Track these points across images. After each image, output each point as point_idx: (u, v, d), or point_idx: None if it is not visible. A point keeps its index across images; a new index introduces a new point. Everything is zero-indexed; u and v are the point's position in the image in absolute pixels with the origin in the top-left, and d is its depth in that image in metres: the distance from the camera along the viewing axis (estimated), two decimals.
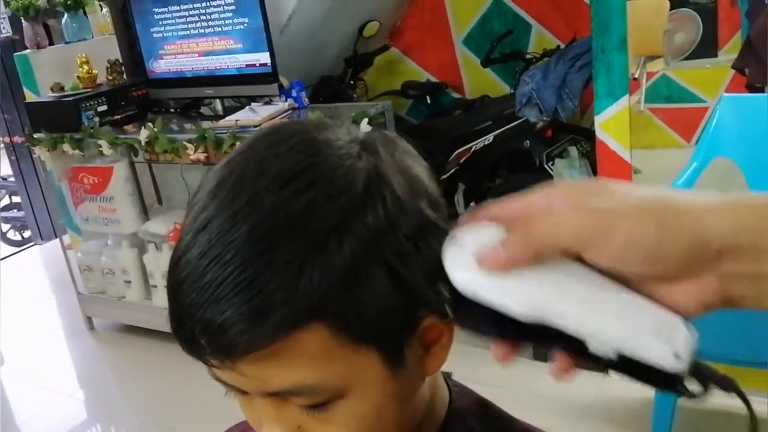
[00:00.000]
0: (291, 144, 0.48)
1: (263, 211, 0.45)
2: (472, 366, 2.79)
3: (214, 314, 0.44)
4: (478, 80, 3.84)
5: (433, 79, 3.98)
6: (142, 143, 2.87)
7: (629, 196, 0.41)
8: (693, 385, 0.42)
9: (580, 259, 0.41)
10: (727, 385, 0.41)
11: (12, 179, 5.24)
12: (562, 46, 3.27)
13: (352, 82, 3.63)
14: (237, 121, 2.74)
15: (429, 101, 3.84)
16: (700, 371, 0.41)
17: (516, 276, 0.41)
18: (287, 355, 0.45)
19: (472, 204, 3.30)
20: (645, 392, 2.33)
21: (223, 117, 2.97)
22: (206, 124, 2.89)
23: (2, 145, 5.00)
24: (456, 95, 3.95)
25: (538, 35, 3.62)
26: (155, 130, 2.85)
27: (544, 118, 2.83)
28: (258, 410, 0.51)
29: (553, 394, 2.56)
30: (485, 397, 0.66)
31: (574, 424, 2.40)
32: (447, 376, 0.65)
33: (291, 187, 0.45)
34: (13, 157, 4.82)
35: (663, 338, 0.40)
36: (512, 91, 3.32)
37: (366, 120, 2.62)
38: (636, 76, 3.89)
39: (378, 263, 0.46)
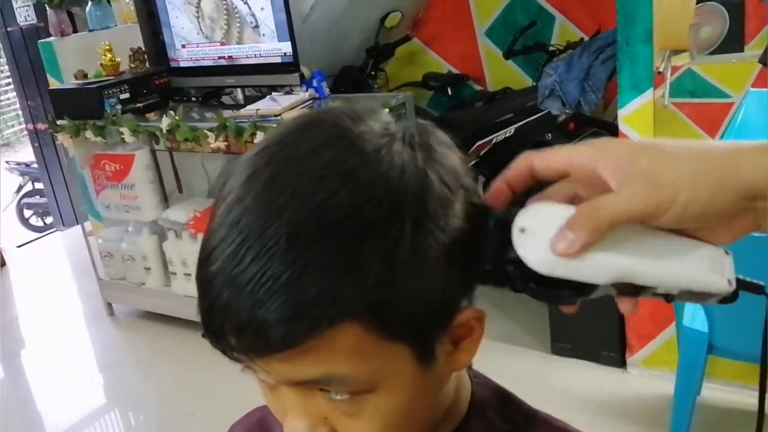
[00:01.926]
0: (327, 138, 0.47)
1: (302, 210, 0.43)
2: (490, 359, 2.80)
3: (247, 314, 0.43)
4: (500, 72, 3.81)
5: (455, 71, 3.96)
6: (164, 131, 2.89)
7: (680, 160, 0.45)
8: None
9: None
10: (760, 290, 0.52)
11: (35, 166, 5.29)
12: (586, 38, 3.24)
13: (373, 72, 3.62)
14: (258, 110, 2.75)
15: (450, 93, 3.82)
16: (738, 283, 0.51)
17: (588, 251, 0.46)
18: (319, 351, 0.44)
19: None
20: (664, 389, 2.32)
21: (243, 106, 2.97)
22: (227, 113, 2.89)
23: (26, 132, 5.04)
24: (478, 87, 3.93)
25: (562, 27, 3.58)
26: (176, 118, 2.86)
27: (567, 111, 2.80)
28: (283, 399, 0.50)
29: (571, 389, 2.55)
30: (504, 387, 0.65)
31: (591, 419, 2.38)
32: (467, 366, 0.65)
33: (330, 186, 0.44)
34: (36, 144, 4.87)
35: (718, 272, 0.49)
36: (534, 83, 3.30)
37: (386, 111, 2.61)
38: (660, 69, 3.84)
39: (417, 263, 0.45)
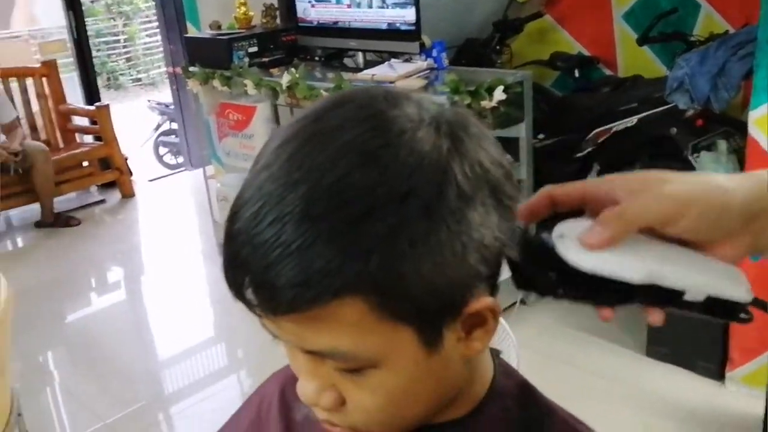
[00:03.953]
0: (356, 117, 0.48)
1: (317, 185, 0.45)
2: (582, 352, 2.74)
3: (261, 274, 0.46)
4: (634, 58, 3.62)
5: (585, 53, 3.81)
6: (284, 87, 2.97)
7: (695, 183, 0.52)
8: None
9: (649, 233, 0.52)
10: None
11: (173, 107, 5.61)
12: (732, 31, 3.02)
13: (497, 47, 3.55)
14: (373, 75, 2.77)
15: (577, 75, 3.67)
16: (755, 300, 0.55)
17: (620, 252, 0.51)
18: (325, 321, 0.47)
19: None
20: (761, 410, 2.18)
21: (362, 70, 3.00)
22: (347, 76, 2.94)
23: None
24: (607, 72, 3.76)
25: (707, 17, 3.35)
26: (297, 75, 2.94)
27: (695, 107, 2.64)
28: (298, 361, 0.53)
29: (661, 394, 2.46)
30: (531, 383, 0.65)
31: (677, 427, 2.29)
32: (495, 354, 0.65)
33: (347, 165, 0.46)
34: (174, 87, 5.15)
35: (737, 281, 0.54)
36: (668, 73, 3.12)
37: (501, 88, 2.56)
38: None
39: (425, 249, 0.46)
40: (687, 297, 0.52)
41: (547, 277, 0.53)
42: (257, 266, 0.46)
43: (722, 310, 0.54)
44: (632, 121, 3.01)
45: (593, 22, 3.73)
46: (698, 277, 0.52)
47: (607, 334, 2.80)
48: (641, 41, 3.26)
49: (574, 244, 0.51)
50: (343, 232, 0.44)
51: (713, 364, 2.46)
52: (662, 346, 2.58)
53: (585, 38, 3.81)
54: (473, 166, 0.49)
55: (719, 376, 2.47)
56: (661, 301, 0.53)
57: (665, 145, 3.02)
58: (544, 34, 3.89)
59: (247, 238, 0.47)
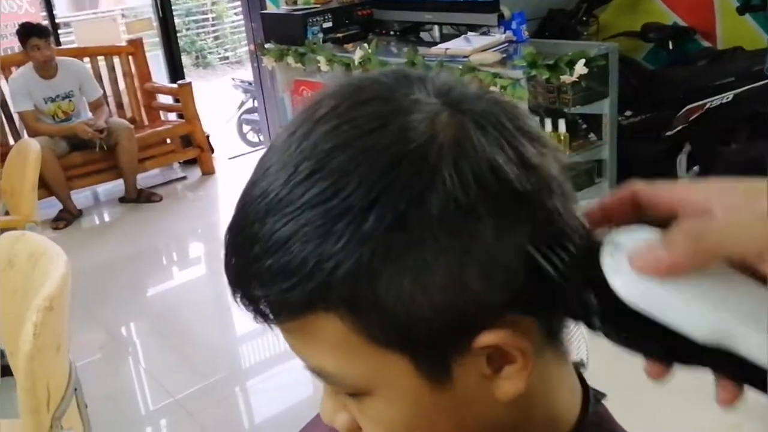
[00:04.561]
0: (362, 113, 0.41)
1: (284, 184, 0.40)
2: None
3: (247, 275, 0.42)
4: (735, 28, 3.36)
5: (681, 23, 3.57)
6: (356, 63, 2.91)
7: None
8: None
9: (738, 266, 0.37)
10: None
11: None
12: None
13: (584, 18, 3.36)
14: (447, 49, 2.67)
15: (671, 47, 3.45)
16: None
17: (684, 289, 0.36)
18: (307, 336, 0.43)
19: (695, 168, 2.95)
20: None
21: (438, 44, 2.90)
22: (422, 50, 2.84)
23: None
24: (705, 43, 3.51)
25: None
26: (369, 51, 2.87)
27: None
28: None
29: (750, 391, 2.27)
30: None
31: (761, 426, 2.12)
32: (598, 395, 0.52)
33: (324, 156, 0.40)
34: (255, 64, 5.17)
35: None
36: None
37: (583, 61, 2.41)
38: None
39: (402, 266, 0.39)
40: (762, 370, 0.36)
41: (581, 297, 0.39)
42: (243, 266, 0.43)
43: None
44: (728, 96, 2.79)
45: None
46: None
47: None
48: (742, 10, 3.02)
49: (627, 262, 0.37)
50: (308, 237, 0.39)
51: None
52: None
53: (681, 7, 3.57)
54: (479, 169, 0.40)
55: None
56: (735, 375, 0.37)
57: (765, 124, 2.79)
58: (636, 3, 3.67)
59: (237, 232, 0.43)
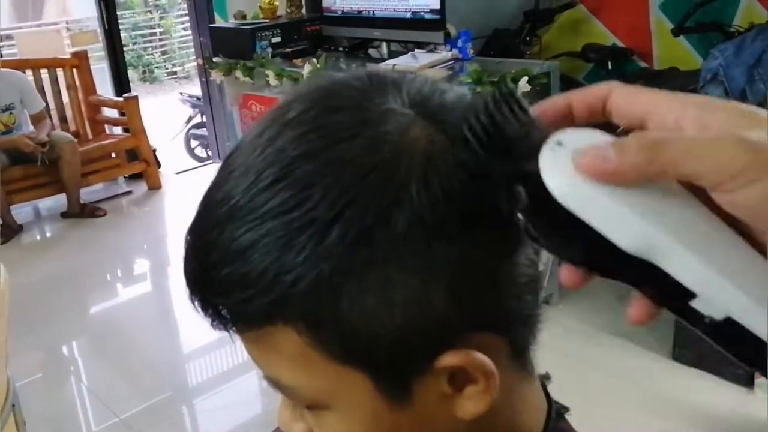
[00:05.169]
0: (331, 121, 0.40)
1: (246, 190, 0.39)
2: (605, 353, 2.65)
3: (204, 281, 0.42)
4: (670, 50, 3.50)
5: (620, 44, 3.69)
6: (305, 77, 2.93)
7: None
8: None
9: (693, 190, 0.33)
10: None
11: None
12: None
13: (527, 38, 3.45)
14: (394, 66, 2.70)
15: (611, 67, 3.56)
16: None
17: (623, 196, 0.33)
18: (264, 346, 0.42)
19: None
20: None
21: (386, 60, 2.94)
22: (370, 66, 2.88)
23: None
24: (642, 64, 3.64)
25: (748, 6, 3.21)
26: (318, 66, 2.89)
27: (730, 100, 2.51)
28: None
29: (686, 400, 2.36)
30: None
31: None
32: (561, 410, 0.52)
33: (288, 168, 0.39)
34: (203, 79, 5.14)
35: None
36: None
37: (526, 79, 2.47)
38: None
39: (363, 283, 0.38)
40: (697, 305, 0.33)
41: (511, 188, 0.36)
42: (198, 266, 0.42)
43: (747, 350, 0.34)
44: None
45: (629, 12, 3.62)
46: (728, 284, 0.32)
47: (632, 337, 2.70)
48: (677, 31, 3.14)
49: (568, 161, 0.34)
50: (267, 249, 0.38)
51: (742, 370, 2.35)
52: (689, 350, 2.48)
53: (620, 29, 3.69)
54: (449, 185, 0.38)
55: (748, 382, 2.37)
56: (656, 293, 0.35)
57: None
58: (577, 24, 3.78)
59: (197, 237, 0.42)
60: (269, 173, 0.39)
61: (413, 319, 0.39)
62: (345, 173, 0.38)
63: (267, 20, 3.34)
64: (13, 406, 1.45)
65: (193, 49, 8.82)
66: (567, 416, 0.53)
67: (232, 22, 3.44)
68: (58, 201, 4.49)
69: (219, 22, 3.72)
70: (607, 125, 0.36)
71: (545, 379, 0.53)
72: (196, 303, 0.42)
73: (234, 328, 0.42)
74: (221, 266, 0.39)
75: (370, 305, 0.38)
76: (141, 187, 4.89)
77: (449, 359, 0.40)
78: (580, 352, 2.67)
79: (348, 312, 0.38)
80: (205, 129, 5.81)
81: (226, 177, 0.41)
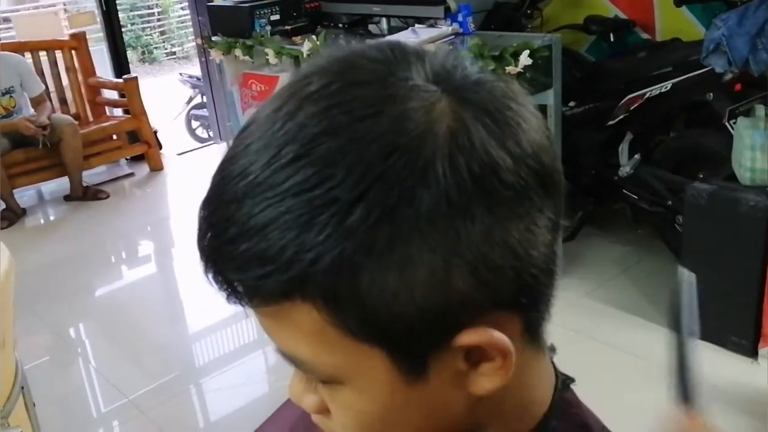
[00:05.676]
0: (354, 96, 0.39)
1: (266, 165, 0.39)
2: (607, 325, 2.66)
3: (220, 256, 0.41)
4: (673, 21, 3.46)
5: (622, 15, 3.65)
6: (305, 55, 2.91)
7: None
8: None
9: None
10: None
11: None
12: None
13: (528, 11, 3.42)
14: None
15: (613, 39, 3.53)
16: None
17: None
18: (283, 322, 0.42)
19: (636, 156, 3.03)
20: None
21: (386, 36, 2.92)
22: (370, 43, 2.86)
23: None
24: (644, 35, 3.60)
25: None
26: (317, 43, 2.87)
27: (732, 70, 2.49)
28: None
29: None
30: (603, 424, 0.53)
31: (707, 405, 2.19)
32: (566, 381, 0.53)
33: (310, 142, 0.38)
34: (202, 59, 5.11)
35: None
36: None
37: (527, 52, 2.46)
38: None
39: (385, 262, 0.38)
40: None
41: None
42: (220, 251, 0.41)
43: None
44: (666, 86, 2.87)
45: None
46: None
47: (635, 309, 2.71)
48: (679, 2, 3.10)
49: None
50: (287, 226, 0.38)
51: (746, 340, 2.37)
52: None
53: (621, 1, 3.65)
54: (475, 165, 0.38)
55: (752, 352, 2.38)
56: None
57: (701, 112, 2.88)
58: None
59: (212, 212, 0.41)
60: (290, 149, 0.38)
61: (434, 298, 0.39)
62: (369, 152, 0.37)
63: None
64: (22, 388, 1.46)
65: (191, 29, 8.78)
66: (572, 386, 0.53)
67: (230, 1, 3.41)
68: (60, 184, 4.50)
69: (217, 1, 3.68)
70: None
71: (551, 351, 0.53)
72: (210, 276, 0.42)
73: (249, 303, 0.42)
74: (239, 242, 0.39)
75: (391, 284, 0.38)
76: (143, 169, 4.89)
77: (468, 337, 0.41)
78: (583, 325, 2.68)
79: (368, 290, 0.38)
80: (205, 109, 5.80)
81: (243, 151, 0.40)
